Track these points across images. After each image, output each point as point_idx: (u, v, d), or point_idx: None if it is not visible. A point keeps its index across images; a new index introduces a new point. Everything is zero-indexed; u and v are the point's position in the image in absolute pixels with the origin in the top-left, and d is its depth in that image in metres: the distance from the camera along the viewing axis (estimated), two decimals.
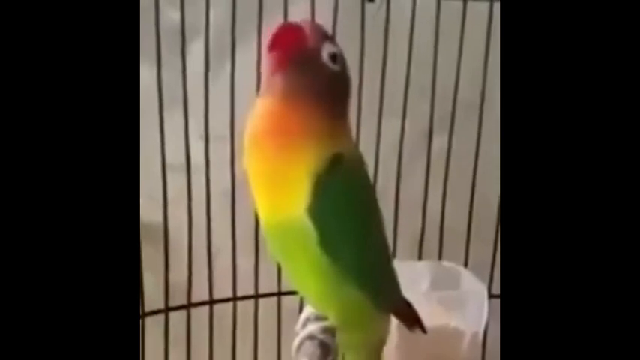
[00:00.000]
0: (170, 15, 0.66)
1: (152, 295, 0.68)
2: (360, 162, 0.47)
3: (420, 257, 0.71)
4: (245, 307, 0.71)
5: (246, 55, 0.67)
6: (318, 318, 0.48)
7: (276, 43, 0.43)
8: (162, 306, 0.68)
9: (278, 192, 0.44)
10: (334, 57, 0.44)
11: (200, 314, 0.70)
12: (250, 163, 0.45)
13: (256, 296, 0.71)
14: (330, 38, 0.45)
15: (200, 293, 0.70)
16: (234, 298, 0.71)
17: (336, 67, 0.44)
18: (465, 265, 0.69)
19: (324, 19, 0.65)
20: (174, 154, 0.66)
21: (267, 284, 0.71)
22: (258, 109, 0.44)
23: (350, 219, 0.45)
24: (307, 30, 0.44)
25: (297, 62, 0.43)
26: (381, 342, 0.50)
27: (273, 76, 0.43)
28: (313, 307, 0.49)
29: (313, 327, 0.47)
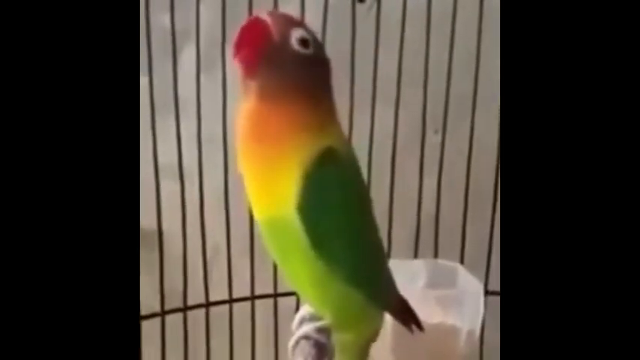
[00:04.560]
0: (161, 19, 0.66)
1: (148, 298, 0.68)
2: (350, 156, 0.46)
3: (415, 254, 0.71)
4: (241, 309, 0.71)
5: None
6: (314, 318, 0.48)
7: (240, 45, 0.42)
8: (158, 309, 0.68)
9: (270, 190, 0.44)
10: (304, 41, 0.43)
11: (196, 317, 0.70)
12: (243, 166, 0.44)
13: (252, 298, 0.71)
14: (298, 23, 0.44)
15: (196, 296, 0.70)
16: (231, 301, 0.71)
17: (307, 51, 0.43)
18: (461, 261, 0.69)
19: (314, 20, 0.66)
20: (167, 158, 0.66)
21: (264, 286, 0.71)
22: (242, 114, 0.44)
23: (340, 215, 0.44)
24: (270, 21, 0.43)
25: (265, 61, 0.42)
26: (373, 339, 0.50)
27: (247, 81, 0.43)
28: (309, 305, 0.49)
29: (308, 327, 0.47)
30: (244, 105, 0.44)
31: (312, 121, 0.43)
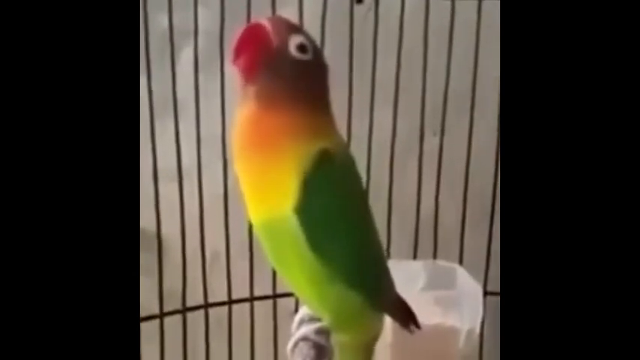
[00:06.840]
0: (159, 20, 0.66)
1: (147, 300, 0.67)
2: (348, 158, 0.46)
3: (414, 255, 0.71)
4: (240, 311, 0.71)
5: None
6: (313, 319, 0.48)
7: (239, 50, 0.43)
8: (157, 311, 0.68)
9: (266, 194, 0.44)
10: (303, 47, 0.43)
11: (196, 318, 0.70)
12: (239, 170, 0.45)
13: (251, 299, 0.71)
14: (297, 29, 0.45)
15: (195, 297, 0.70)
16: (230, 302, 0.70)
17: (306, 57, 0.44)
18: (460, 262, 0.69)
19: (312, 22, 0.66)
20: (166, 160, 0.66)
21: (263, 287, 0.71)
22: (239, 118, 0.44)
23: (338, 217, 0.44)
24: (269, 27, 0.43)
25: (264, 66, 0.43)
26: (374, 340, 0.50)
27: (246, 86, 0.43)
28: (308, 308, 0.49)
29: (307, 329, 0.47)
30: (242, 109, 0.44)
31: (309, 126, 0.44)
